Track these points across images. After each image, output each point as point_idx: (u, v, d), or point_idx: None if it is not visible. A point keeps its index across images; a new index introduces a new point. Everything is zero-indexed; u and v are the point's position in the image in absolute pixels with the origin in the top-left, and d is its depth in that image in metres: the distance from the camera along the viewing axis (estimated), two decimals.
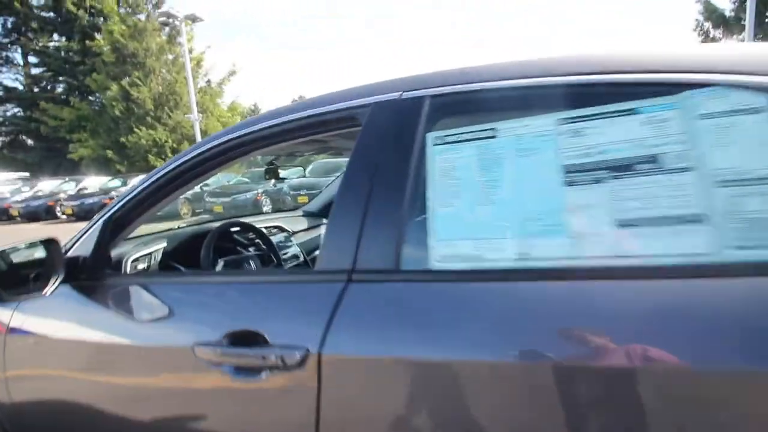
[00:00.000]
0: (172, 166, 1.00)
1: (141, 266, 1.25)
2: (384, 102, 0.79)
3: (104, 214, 1.05)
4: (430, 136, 0.72)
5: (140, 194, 1.02)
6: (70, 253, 1.04)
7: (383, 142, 0.76)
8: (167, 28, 15.36)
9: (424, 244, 0.67)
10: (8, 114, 20.92)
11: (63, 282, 0.98)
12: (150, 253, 1.30)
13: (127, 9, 15.51)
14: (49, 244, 0.98)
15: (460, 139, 0.69)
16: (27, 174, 16.98)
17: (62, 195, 12.10)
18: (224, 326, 0.76)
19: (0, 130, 20.90)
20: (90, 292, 0.98)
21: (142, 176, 1.36)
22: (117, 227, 1.06)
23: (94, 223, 1.05)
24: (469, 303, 0.62)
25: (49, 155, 19.77)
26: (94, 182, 13.22)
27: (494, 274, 0.63)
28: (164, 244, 1.39)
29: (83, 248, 1.03)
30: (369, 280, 0.69)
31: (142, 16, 15.40)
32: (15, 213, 11.88)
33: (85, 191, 12.20)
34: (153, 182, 1.01)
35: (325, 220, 2.38)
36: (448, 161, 0.69)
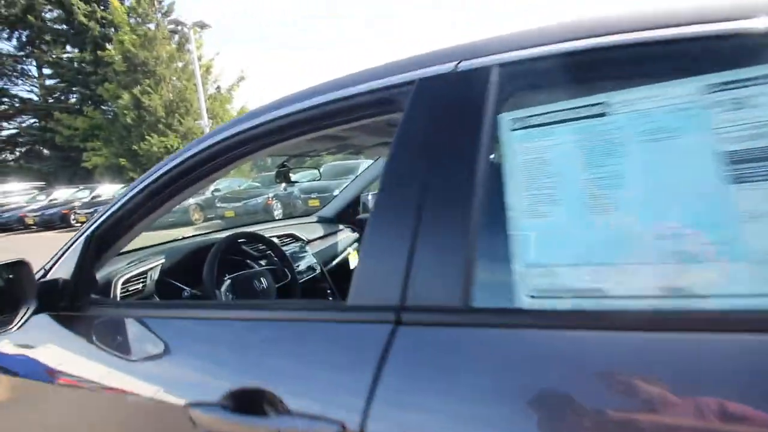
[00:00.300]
0: (166, 169, 0.82)
1: (134, 288, 1.07)
2: (434, 77, 0.59)
3: (87, 229, 0.88)
4: (504, 119, 0.52)
5: (130, 203, 0.84)
6: (49, 276, 0.87)
7: (435, 131, 0.56)
8: (176, 36, 15.46)
9: (506, 272, 0.47)
10: (24, 125, 21.34)
11: (38, 312, 0.81)
12: (145, 272, 1.12)
13: (137, 19, 15.60)
14: (18, 267, 0.80)
15: (551, 119, 0.49)
16: (43, 183, 17.27)
17: (77, 203, 12.21)
18: (227, 381, 0.57)
19: (17, 140, 21.32)
20: (67, 325, 0.80)
21: None
22: (103, 244, 0.88)
23: (75, 240, 0.88)
24: (589, 361, 0.41)
25: (64, 164, 20.06)
26: (107, 190, 13.39)
27: (626, 318, 0.42)
28: (162, 260, 1.21)
29: (63, 270, 0.86)
30: (427, 323, 0.49)
31: (152, 26, 15.48)
32: (31, 222, 12.02)
33: (99, 199, 12.30)
34: (144, 188, 0.83)
35: (341, 226, 2.19)
36: (536, 152, 0.49)
